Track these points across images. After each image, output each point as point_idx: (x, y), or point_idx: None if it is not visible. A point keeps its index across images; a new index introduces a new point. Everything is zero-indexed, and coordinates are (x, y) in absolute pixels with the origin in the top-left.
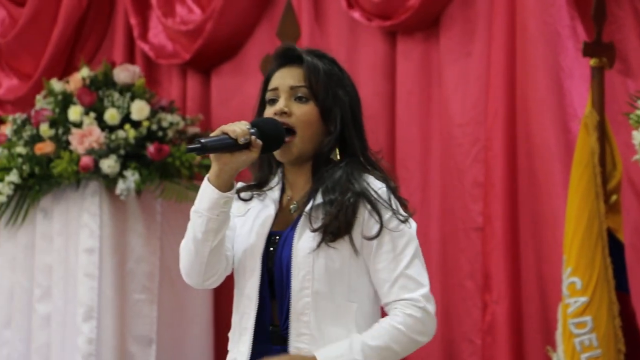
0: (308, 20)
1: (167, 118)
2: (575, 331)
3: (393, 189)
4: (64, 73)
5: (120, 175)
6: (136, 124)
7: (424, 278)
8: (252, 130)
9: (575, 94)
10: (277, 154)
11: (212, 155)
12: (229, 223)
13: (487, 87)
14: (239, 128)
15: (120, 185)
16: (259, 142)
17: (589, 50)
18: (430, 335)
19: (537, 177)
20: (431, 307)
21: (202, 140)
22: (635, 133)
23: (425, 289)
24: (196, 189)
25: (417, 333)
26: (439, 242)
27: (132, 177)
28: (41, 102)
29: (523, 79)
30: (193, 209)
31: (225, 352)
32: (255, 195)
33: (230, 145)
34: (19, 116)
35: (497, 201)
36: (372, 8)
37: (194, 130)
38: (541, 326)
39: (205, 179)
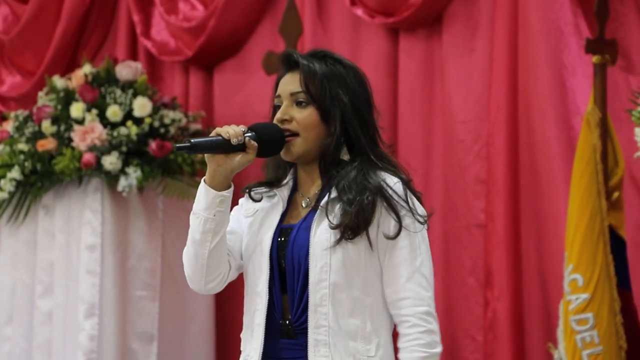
0: (310, 17)
1: (170, 115)
2: (576, 328)
3: (407, 182)
4: (67, 70)
5: (122, 172)
6: (138, 121)
7: (432, 278)
8: (249, 134)
9: (578, 91)
10: (282, 153)
11: (206, 156)
12: (227, 224)
13: (490, 84)
14: (232, 129)
15: (122, 182)
16: (254, 143)
17: (591, 47)
18: (440, 337)
19: (539, 174)
20: (434, 309)
21: (192, 140)
22: (637, 130)
23: (432, 290)
24: (198, 185)
25: (436, 345)
26: (441, 239)
27: (134, 173)
28: (43, 98)
29: (525, 75)
30: (191, 212)
31: (227, 348)
32: (264, 196)
33: (221, 145)
34: (21, 113)
35: (499, 198)
36: (375, 5)
37: (196, 127)
38: (542, 323)
39: (202, 180)
